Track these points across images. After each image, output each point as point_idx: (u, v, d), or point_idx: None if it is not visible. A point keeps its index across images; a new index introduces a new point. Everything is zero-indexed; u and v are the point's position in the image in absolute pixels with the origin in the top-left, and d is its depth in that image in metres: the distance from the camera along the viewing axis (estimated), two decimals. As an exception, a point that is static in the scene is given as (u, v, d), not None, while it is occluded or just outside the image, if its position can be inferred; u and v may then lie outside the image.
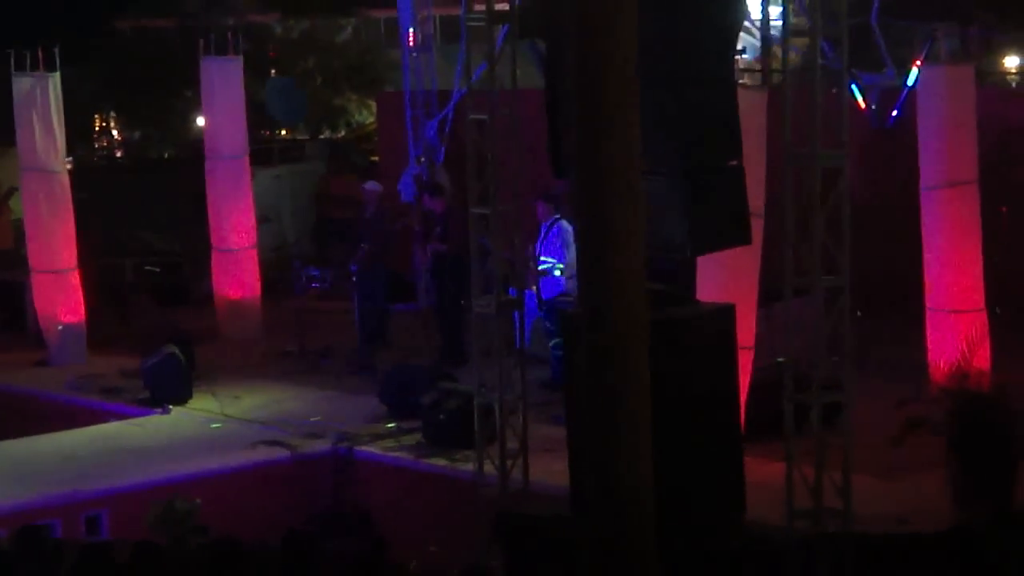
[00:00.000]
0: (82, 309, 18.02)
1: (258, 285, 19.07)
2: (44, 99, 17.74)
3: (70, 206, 18.01)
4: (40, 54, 17.61)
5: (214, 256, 19.05)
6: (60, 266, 17.96)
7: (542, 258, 15.48)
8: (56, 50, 17.57)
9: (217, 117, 19.06)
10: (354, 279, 17.39)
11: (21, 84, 17.84)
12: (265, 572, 9.20)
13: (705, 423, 10.97)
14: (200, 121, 27.31)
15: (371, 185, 18.25)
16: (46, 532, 11.35)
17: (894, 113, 17.04)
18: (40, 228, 18.02)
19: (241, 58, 18.94)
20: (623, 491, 7.94)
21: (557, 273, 15.42)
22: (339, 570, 9.93)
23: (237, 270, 18.96)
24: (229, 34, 18.93)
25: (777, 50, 12.96)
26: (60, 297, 17.93)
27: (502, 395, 12.50)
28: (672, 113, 10.48)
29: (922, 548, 10.99)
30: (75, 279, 18.02)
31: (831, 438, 10.96)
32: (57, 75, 17.71)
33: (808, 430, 10.97)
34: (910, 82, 16.77)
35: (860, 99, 17.50)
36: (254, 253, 19.15)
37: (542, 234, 15.56)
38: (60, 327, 17.85)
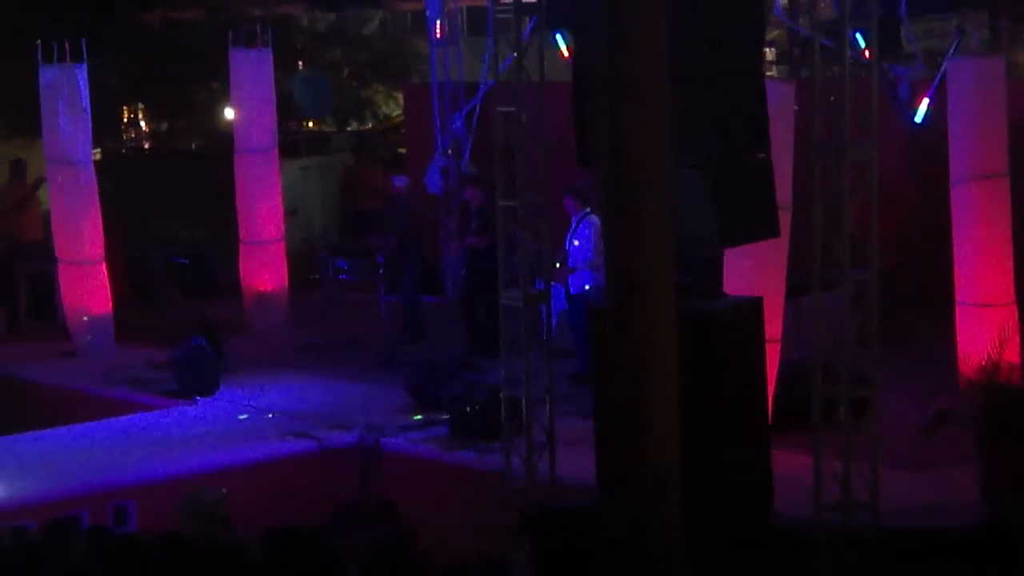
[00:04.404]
0: (109, 301, 18.05)
1: (285, 277, 19.07)
2: (71, 90, 17.72)
3: (96, 198, 18.03)
4: (67, 46, 17.57)
5: (242, 248, 19.03)
6: (86, 257, 17.99)
7: (573, 256, 15.45)
8: (83, 42, 17.54)
9: (246, 109, 19.00)
10: (381, 271, 17.39)
11: (48, 75, 17.82)
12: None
13: (733, 415, 10.95)
14: (227, 113, 27.32)
15: (400, 180, 18.33)
16: (76, 524, 11.36)
17: (924, 105, 16.89)
18: (66, 220, 18.04)
19: (270, 50, 18.90)
20: (650, 483, 7.92)
21: (584, 267, 15.40)
22: (365, 561, 9.93)
23: (265, 262, 18.94)
24: (258, 26, 18.90)
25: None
26: (87, 289, 17.96)
27: (529, 388, 12.49)
28: (699, 106, 10.43)
29: (951, 543, 10.95)
30: (102, 271, 18.04)
31: (859, 431, 10.93)
32: (84, 66, 17.68)
33: (836, 423, 10.94)
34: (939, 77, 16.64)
35: (890, 92, 17.41)
36: (282, 245, 19.13)
37: (572, 227, 15.54)
38: (86, 319, 17.90)
